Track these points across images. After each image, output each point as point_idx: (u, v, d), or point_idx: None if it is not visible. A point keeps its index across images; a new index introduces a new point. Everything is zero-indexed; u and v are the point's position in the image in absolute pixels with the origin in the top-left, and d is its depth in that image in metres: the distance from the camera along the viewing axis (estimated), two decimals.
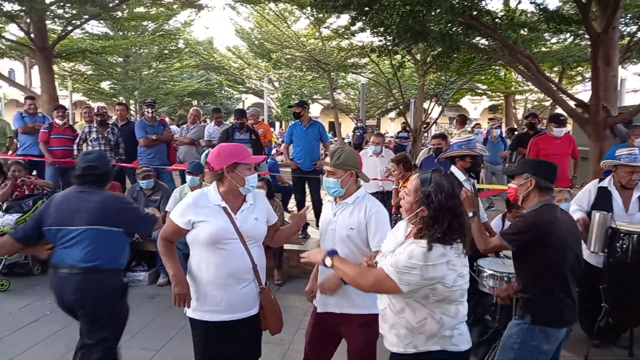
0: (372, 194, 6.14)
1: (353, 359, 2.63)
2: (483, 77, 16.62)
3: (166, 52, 22.29)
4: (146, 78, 21.73)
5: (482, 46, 7.52)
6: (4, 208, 5.60)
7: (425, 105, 16.03)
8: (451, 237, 1.99)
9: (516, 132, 10.59)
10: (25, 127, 7.26)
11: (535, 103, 25.96)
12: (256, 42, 19.49)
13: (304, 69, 19.00)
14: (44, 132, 6.91)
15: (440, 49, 7.56)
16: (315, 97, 23.22)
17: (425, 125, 14.96)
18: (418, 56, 13.84)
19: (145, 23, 18.90)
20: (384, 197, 6.31)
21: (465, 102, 33.82)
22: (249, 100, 31.35)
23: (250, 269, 2.49)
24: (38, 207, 5.67)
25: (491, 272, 3.53)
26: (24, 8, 9.37)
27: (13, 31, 13.08)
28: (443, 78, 14.57)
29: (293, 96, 22.87)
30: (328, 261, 2.15)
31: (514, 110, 22.98)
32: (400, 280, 1.95)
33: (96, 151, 5.65)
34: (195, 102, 27.11)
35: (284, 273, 5.44)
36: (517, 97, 23.72)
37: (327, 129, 7.53)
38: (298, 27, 17.66)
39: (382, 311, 2.20)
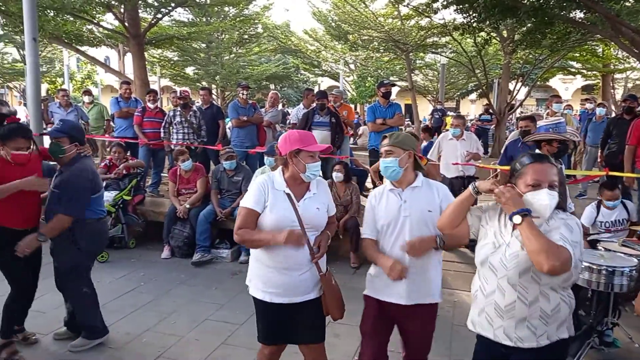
0: (453, 178, 6.03)
1: (415, 346, 2.64)
2: (577, 55, 15.27)
3: (246, 37, 22.89)
4: (227, 63, 22.49)
5: (579, 20, 6.86)
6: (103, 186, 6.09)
7: (511, 86, 15.12)
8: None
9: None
10: (121, 111, 7.82)
11: (638, 82, 23.52)
12: (333, 24, 19.38)
13: (381, 50, 18.61)
14: (138, 116, 7.38)
15: (531, 25, 7.03)
16: (391, 78, 22.75)
17: (510, 108, 14.13)
18: (505, 33, 13.02)
19: (226, 8, 19.51)
20: (464, 182, 6.04)
21: (555, 82, 31.43)
22: (325, 83, 31.42)
23: (308, 256, 2.52)
24: (133, 185, 6.14)
25: (587, 264, 3.31)
26: None
27: (109, 20, 14.11)
28: (532, 56, 13.59)
29: (369, 78, 22.56)
30: (517, 219, 1.90)
31: (612, 91, 20.97)
32: (574, 255, 1.88)
33: None
34: (272, 86, 27.68)
35: (360, 256, 5.42)
36: (617, 76, 21.60)
37: (403, 111, 7.36)
38: (376, 6, 17.31)
39: (508, 305, 2.02)
